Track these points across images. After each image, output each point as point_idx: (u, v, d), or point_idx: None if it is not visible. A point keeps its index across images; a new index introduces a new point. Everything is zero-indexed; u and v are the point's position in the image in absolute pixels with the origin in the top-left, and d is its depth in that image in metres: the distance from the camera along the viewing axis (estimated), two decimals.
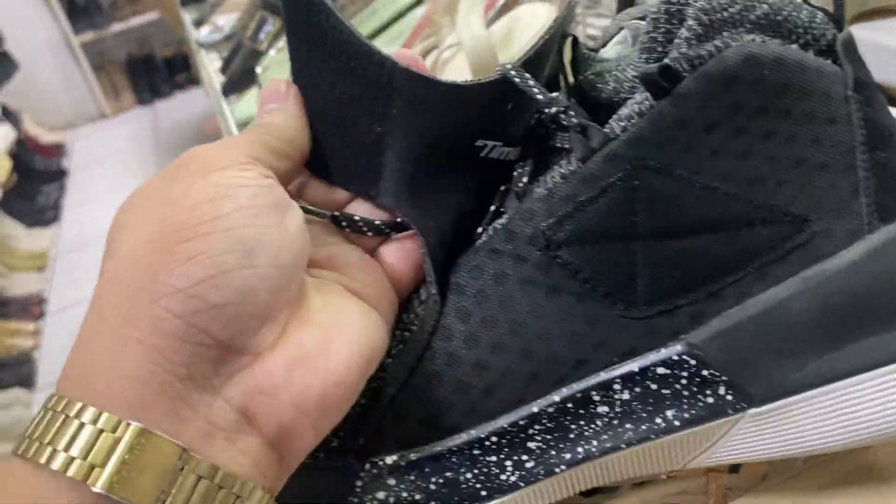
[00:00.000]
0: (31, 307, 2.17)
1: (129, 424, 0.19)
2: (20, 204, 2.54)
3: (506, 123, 0.27)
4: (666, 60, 0.23)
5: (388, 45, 0.81)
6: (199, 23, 1.37)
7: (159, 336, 0.20)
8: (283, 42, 0.89)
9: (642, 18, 0.28)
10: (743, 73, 0.23)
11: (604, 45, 0.29)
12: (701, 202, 0.24)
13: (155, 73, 3.27)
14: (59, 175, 2.86)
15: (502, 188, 0.28)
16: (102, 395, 0.20)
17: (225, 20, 1.25)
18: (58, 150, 3.01)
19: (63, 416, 0.19)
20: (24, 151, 2.74)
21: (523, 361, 0.26)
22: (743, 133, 0.24)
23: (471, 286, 0.27)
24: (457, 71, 0.58)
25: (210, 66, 1.20)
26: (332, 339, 0.23)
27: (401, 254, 0.28)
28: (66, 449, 0.19)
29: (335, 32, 0.25)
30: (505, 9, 0.60)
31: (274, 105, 0.26)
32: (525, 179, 0.27)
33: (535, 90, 0.25)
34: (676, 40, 0.24)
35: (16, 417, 1.80)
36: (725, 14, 0.24)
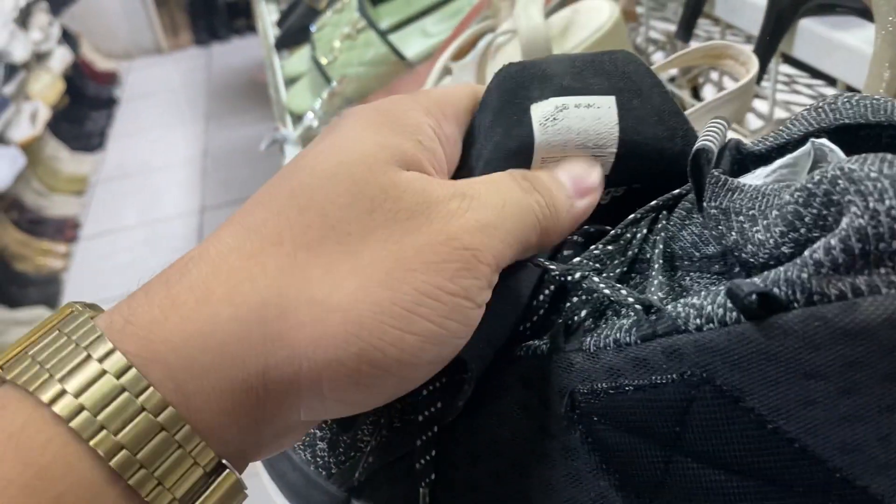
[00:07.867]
0: (66, 230, 2.21)
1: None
2: (68, 127, 2.58)
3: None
4: (774, 289, 0.18)
5: (443, 21, 0.79)
6: None
7: None
8: (340, 3, 0.88)
9: (834, 131, 0.22)
10: (879, 335, 0.17)
11: (762, 156, 0.23)
12: (766, 447, 0.19)
13: (215, 14, 3.29)
14: (110, 103, 2.90)
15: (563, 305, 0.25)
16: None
17: None
18: (111, 78, 3.04)
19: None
20: (78, 76, 2.78)
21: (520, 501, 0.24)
22: (853, 394, 0.18)
23: (491, 405, 0.25)
24: (508, 59, 0.56)
25: (268, 16, 1.20)
26: None
27: None
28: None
29: None
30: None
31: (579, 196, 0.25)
32: (583, 314, 0.24)
33: (606, 290, 0.23)
34: (815, 256, 0.17)
35: None
36: (890, 247, 0.17)
